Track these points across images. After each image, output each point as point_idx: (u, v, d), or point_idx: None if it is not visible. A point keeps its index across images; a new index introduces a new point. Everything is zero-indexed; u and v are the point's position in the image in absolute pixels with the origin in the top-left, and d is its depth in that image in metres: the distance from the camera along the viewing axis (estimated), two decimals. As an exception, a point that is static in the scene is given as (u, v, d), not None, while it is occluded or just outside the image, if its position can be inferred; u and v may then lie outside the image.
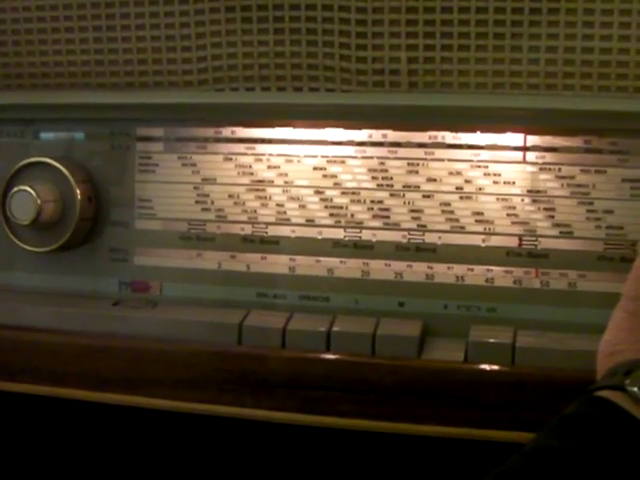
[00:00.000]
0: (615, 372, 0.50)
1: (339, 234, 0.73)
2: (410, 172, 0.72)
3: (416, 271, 0.72)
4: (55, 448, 0.93)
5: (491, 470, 0.48)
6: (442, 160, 0.71)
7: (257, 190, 0.75)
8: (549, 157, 0.70)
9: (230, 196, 0.75)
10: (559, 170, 0.70)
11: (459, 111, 0.71)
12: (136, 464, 0.92)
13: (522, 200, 0.70)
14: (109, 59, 0.77)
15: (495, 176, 0.71)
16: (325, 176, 0.74)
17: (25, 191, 0.75)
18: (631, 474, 0.45)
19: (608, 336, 0.55)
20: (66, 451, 0.93)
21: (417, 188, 0.72)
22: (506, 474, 0.47)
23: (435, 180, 0.72)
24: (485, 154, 0.71)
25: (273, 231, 0.75)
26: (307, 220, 0.74)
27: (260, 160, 0.75)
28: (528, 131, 0.70)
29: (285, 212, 0.74)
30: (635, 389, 0.48)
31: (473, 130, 0.71)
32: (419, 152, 0.72)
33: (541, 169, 0.70)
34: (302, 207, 0.74)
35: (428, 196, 0.72)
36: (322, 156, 0.74)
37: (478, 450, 0.69)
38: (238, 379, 0.71)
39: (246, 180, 0.75)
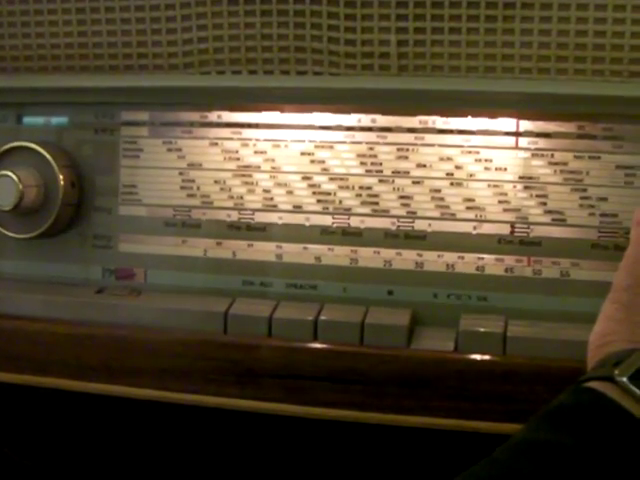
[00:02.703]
0: (605, 363, 0.50)
1: (327, 221, 0.72)
2: (400, 158, 0.71)
3: (405, 259, 0.71)
4: (37, 438, 0.92)
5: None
6: (432, 145, 0.71)
7: (243, 176, 0.74)
8: (542, 143, 0.69)
9: (216, 182, 0.74)
10: (552, 156, 0.69)
11: (450, 95, 0.70)
12: (120, 455, 0.92)
13: (514, 187, 0.69)
14: (93, 42, 0.75)
15: (486, 162, 0.70)
16: (313, 161, 0.73)
17: (7, 176, 0.74)
18: (619, 465, 0.44)
19: (598, 327, 0.54)
20: (48, 442, 0.92)
21: (407, 174, 0.71)
22: (492, 466, 0.46)
23: (425, 166, 0.71)
24: (476, 139, 0.70)
25: (260, 217, 0.74)
26: (294, 206, 0.73)
27: (247, 145, 0.74)
28: (520, 116, 0.69)
29: (272, 198, 0.73)
30: (624, 379, 0.47)
31: (464, 115, 0.70)
32: (409, 137, 0.71)
33: (534, 155, 0.69)
34: (289, 193, 0.73)
35: (418, 182, 0.71)
36: (310, 141, 0.73)
37: (468, 442, 0.68)
38: (223, 368, 0.70)
39: (232, 165, 0.74)
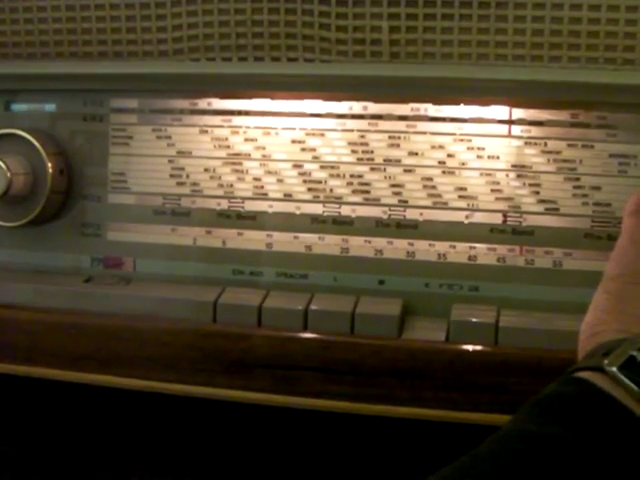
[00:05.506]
0: (594, 353, 0.49)
1: (318, 209, 0.72)
2: (391, 146, 0.70)
3: (397, 248, 0.71)
4: (21, 427, 0.92)
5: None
6: (424, 133, 0.70)
7: (234, 164, 0.73)
8: (535, 131, 0.68)
9: (206, 170, 0.74)
10: (545, 144, 0.68)
11: (442, 82, 0.69)
12: (105, 444, 0.91)
13: (507, 175, 0.69)
14: (82, 28, 0.75)
15: (479, 150, 0.69)
16: (304, 149, 0.72)
17: (-6, 164, 0.73)
18: (609, 455, 0.44)
19: (589, 317, 0.54)
20: (32, 430, 0.92)
21: (398, 162, 0.70)
22: (480, 457, 0.45)
23: (417, 154, 0.70)
24: (469, 127, 0.69)
25: (250, 206, 0.73)
26: (285, 195, 0.72)
27: (237, 133, 0.73)
28: (513, 104, 0.69)
29: (262, 186, 0.73)
30: (614, 369, 0.46)
31: (456, 102, 0.69)
32: (400, 125, 0.70)
33: (526, 143, 0.69)
34: (280, 181, 0.72)
35: (409, 170, 0.70)
36: (300, 129, 0.72)
37: (460, 433, 0.68)
38: (212, 358, 0.70)
39: (222, 153, 0.73)
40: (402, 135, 0.70)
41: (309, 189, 0.72)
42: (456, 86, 0.69)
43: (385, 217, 0.71)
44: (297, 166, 0.72)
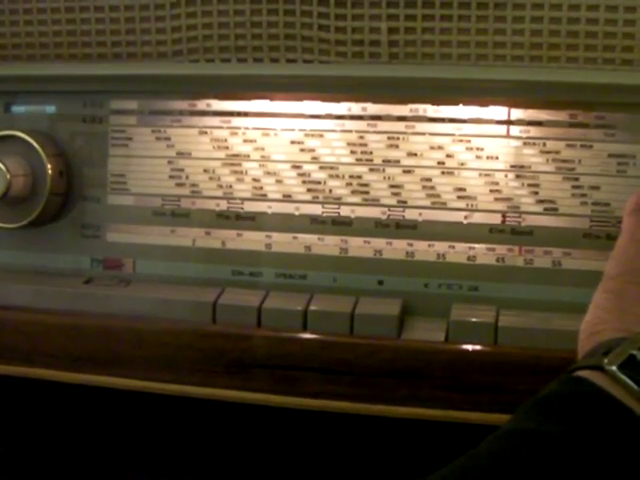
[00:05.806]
0: (594, 352, 0.49)
1: (317, 210, 0.72)
2: (390, 146, 0.70)
3: (396, 248, 0.71)
4: (24, 429, 0.92)
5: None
6: (423, 134, 0.70)
7: (233, 165, 0.73)
8: (533, 131, 0.68)
9: (205, 171, 0.74)
10: (544, 145, 0.68)
11: (441, 83, 0.69)
12: (106, 445, 0.91)
13: (505, 175, 0.69)
14: (81, 29, 0.75)
15: (478, 151, 0.69)
16: (303, 150, 0.72)
17: (-6, 165, 0.73)
18: (608, 453, 0.43)
19: (589, 316, 0.54)
20: (34, 433, 0.92)
21: (397, 163, 0.70)
22: (479, 457, 0.45)
23: (416, 155, 0.70)
24: (467, 128, 0.69)
25: (249, 207, 0.73)
26: (284, 195, 0.72)
27: (236, 134, 0.73)
28: (512, 104, 0.69)
29: (261, 187, 0.73)
30: (613, 368, 0.46)
31: (455, 103, 0.70)
32: (399, 126, 0.70)
33: (525, 144, 0.69)
34: (279, 182, 0.72)
35: (409, 171, 0.70)
36: (300, 130, 0.72)
37: (459, 433, 0.68)
38: (212, 358, 0.70)
39: (221, 154, 0.74)
40: (401, 136, 0.70)
41: (308, 190, 0.72)
42: (455, 87, 0.69)
43: (384, 217, 0.71)
44: (296, 167, 0.72)
